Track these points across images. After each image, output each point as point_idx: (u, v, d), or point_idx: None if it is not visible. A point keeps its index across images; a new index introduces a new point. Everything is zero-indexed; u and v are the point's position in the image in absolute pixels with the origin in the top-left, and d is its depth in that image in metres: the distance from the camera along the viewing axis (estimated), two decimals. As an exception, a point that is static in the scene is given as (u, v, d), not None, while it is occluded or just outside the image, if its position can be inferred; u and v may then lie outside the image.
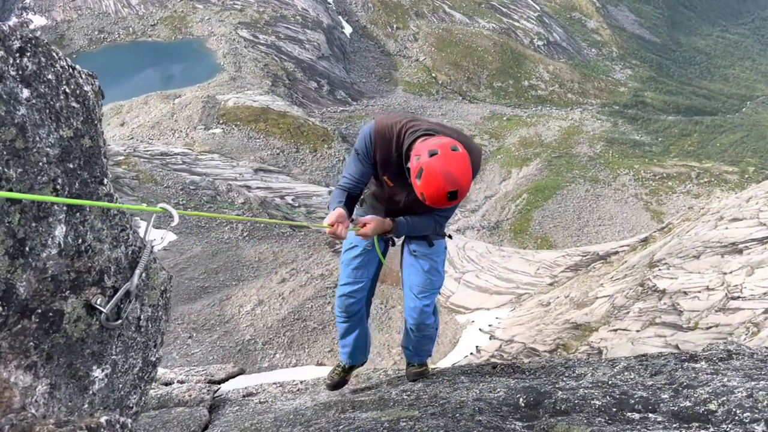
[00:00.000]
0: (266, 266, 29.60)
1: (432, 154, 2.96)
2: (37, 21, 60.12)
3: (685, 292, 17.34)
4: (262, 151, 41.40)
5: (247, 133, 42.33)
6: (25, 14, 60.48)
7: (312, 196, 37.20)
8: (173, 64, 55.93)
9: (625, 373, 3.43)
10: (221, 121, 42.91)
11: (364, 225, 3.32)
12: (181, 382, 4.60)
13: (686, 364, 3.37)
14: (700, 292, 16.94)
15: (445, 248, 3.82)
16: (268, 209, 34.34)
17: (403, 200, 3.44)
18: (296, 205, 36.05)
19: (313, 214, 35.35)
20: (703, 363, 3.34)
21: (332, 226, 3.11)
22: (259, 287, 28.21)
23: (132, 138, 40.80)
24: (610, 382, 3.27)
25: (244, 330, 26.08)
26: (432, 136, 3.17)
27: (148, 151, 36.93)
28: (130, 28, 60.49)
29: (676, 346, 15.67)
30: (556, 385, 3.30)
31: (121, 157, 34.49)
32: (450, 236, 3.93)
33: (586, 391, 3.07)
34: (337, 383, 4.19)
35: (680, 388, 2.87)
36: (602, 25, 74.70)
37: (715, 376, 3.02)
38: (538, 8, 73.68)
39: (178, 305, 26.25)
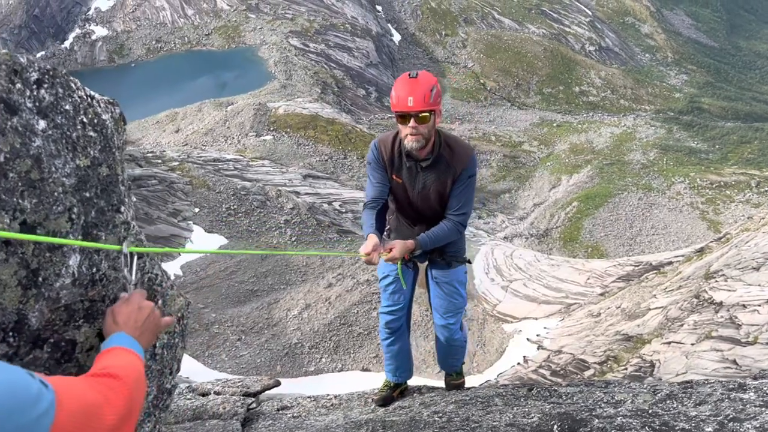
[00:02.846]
0: (313, 271, 29.84)
1: None
2: (99, 32, 62.60)
3: (744, 305, 16.63)
4: (310, 157, 41.87)
5: (297, 140, 42.89)
6: (87, 25, 63.05)
7: (359, 202, 37.37)
8: (226, 72, 57.21)
9: (668, 402, 3.27)
10: (272, 128, 43.60)
11: (390, 250, 3.70)
12: (218, 393, 4.64)
13: (733, 394, 3.19)
14: (760, 305, 16.22)
15: (465, 273, 4.25)
16: (315, 215, 34.66)
17: (414, 193, 3.88)
18: (343, 210, 36.30)
19: (359, 220, 35.52)
20: (751, 393, 3.16)
21: (368, 254, 3.51)
22: (307, 291, 28.46)
23: (186, 144, 41.88)
24: (650, 411, 3.12)
25: (291, 333, 26.35)
26: None
27: (201, 157, 37.79)
28: (186, 38, 62.23)
29: (734, 361, 15.09)
30: (593, 413, 3.17)
31: (176, 163, 35.39)
32: (470, 261, 4.42)
33: (624, 419, 2.95)
34: (385, 399, 4.48)
35: (726, 421, 2.73)
36: (657, 30, 72.80)
37: (764, 409, 2.86)
38: (590, 13, 72.39)
39: (228, 308, 26.74)
